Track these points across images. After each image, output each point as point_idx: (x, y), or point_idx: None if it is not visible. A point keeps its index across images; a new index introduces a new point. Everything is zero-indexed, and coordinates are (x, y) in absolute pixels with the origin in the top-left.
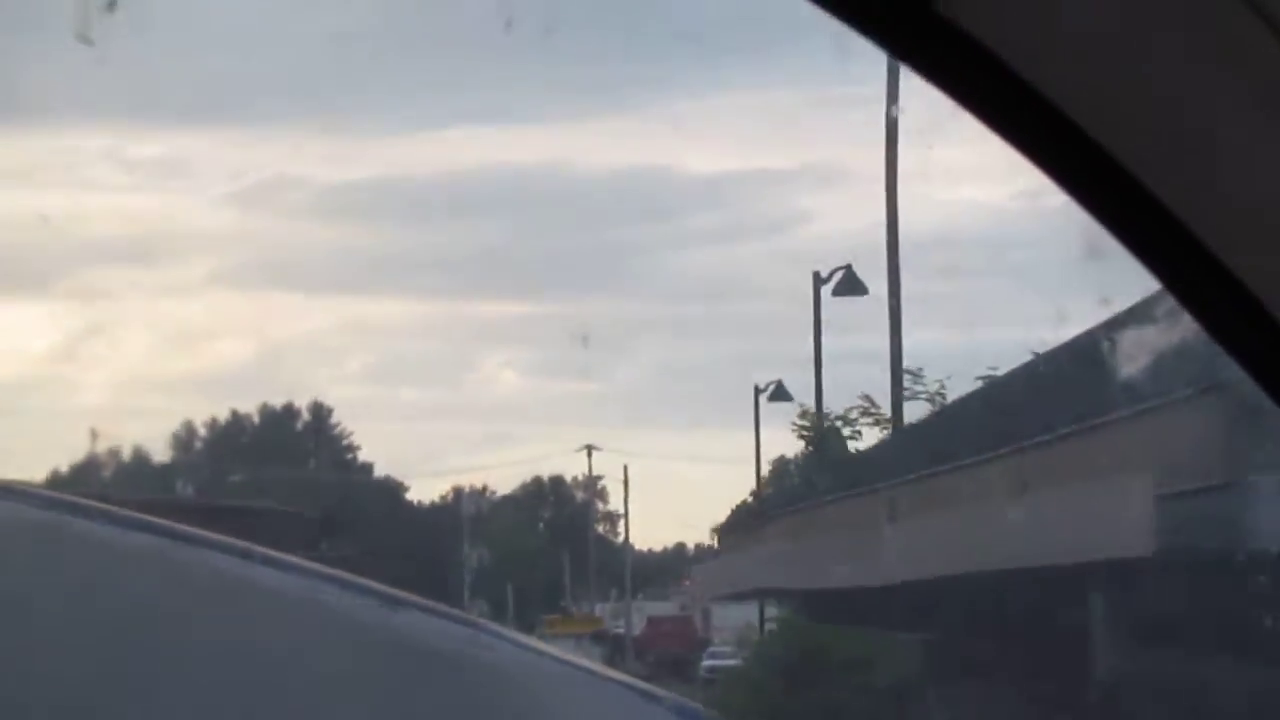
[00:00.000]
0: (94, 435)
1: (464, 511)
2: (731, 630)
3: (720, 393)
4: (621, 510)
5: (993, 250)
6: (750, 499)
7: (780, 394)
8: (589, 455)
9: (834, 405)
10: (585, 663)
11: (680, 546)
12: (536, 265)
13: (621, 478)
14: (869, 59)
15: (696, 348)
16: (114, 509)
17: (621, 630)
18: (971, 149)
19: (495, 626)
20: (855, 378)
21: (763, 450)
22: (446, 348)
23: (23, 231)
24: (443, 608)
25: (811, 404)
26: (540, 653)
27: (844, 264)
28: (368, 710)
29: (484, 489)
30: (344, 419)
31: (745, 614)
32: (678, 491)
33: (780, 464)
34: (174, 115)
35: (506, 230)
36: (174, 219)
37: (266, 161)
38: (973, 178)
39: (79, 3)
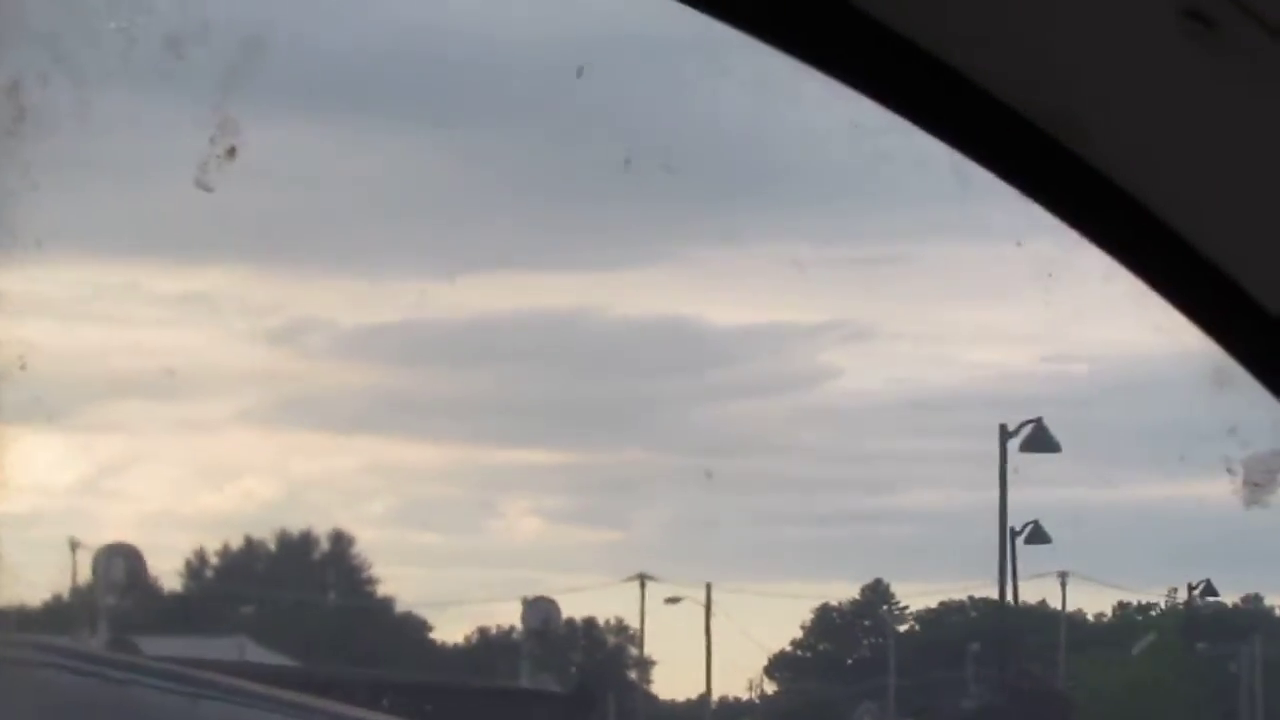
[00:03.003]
0: (84, 554)
1: (529, 624)
2: None
3: (743, 547)
4: (653, 657)
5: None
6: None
7: (1040, 441)
8: (642, 585)
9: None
10: None
11: (704, 698)
12: (561, 413)
13: (651, 621)
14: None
15: (720, 501)
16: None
17: None
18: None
19: None
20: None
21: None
22: (470, 493)
23: (47, 364)
24: None
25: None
26: None
27: (1034, 417)
28: None
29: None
30: (365, 553)
31: None
32: (701, 642)
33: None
34: (198, 251)
35: (532, 377)
36: (200, 355)
37: (292, 301)
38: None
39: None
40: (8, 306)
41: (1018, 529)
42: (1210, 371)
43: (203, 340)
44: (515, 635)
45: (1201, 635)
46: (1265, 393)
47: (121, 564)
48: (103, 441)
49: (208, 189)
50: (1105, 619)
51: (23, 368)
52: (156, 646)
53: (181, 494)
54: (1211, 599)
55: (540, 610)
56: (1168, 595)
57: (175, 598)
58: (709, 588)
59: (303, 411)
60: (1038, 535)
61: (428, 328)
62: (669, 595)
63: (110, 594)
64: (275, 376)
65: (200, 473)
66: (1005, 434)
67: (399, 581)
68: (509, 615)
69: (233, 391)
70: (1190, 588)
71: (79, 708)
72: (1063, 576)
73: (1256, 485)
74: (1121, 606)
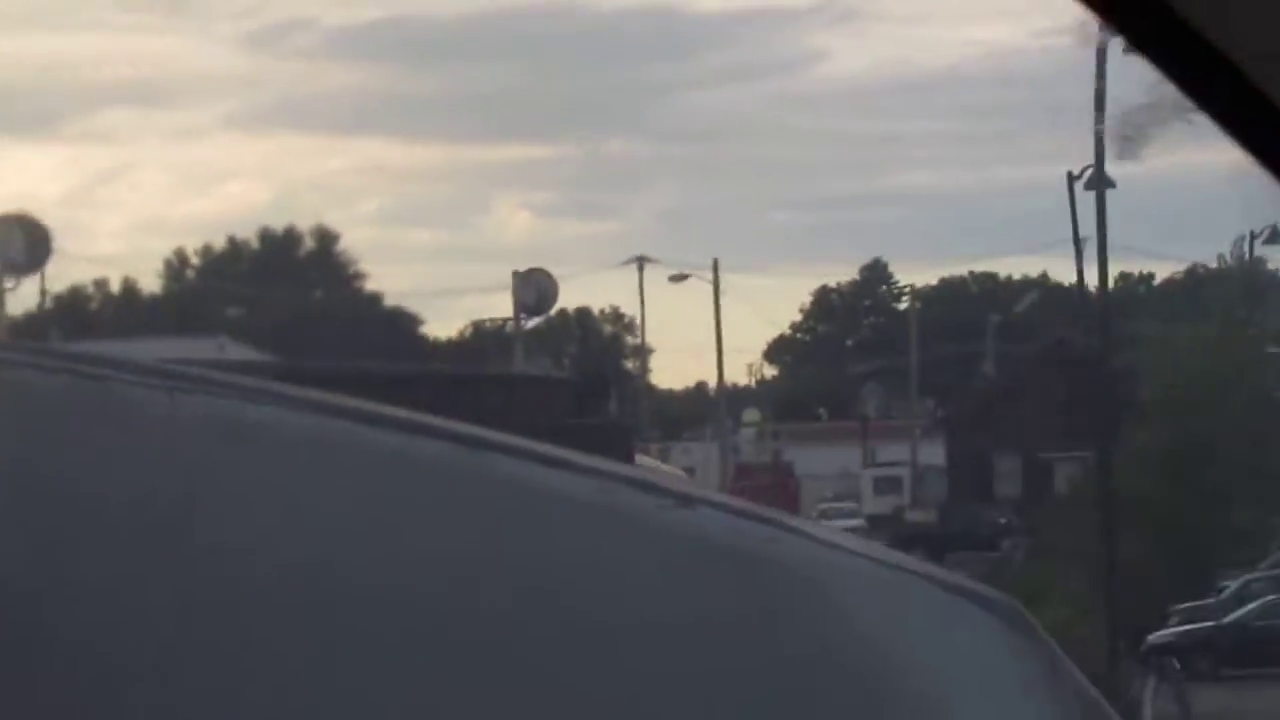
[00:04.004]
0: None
1: (521, 299)
2: (826, 480)
3: (734, 232)
4: (651, 345)
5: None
6: None
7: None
8: (640, 268)
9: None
10: (886, 555)
11: (701, 385)
12: (549, 107)
13: (650, 307)
14: None
15: (710, 187)
16: (383, 411)
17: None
18: None
19: (794, 522)
20: None
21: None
22: (461, 189)
23: (31, 74)
24: (739, 505)
25: None
26: (838, 547)
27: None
28: (673, 618)
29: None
30: (351, 249)
31: (843, 457)
32: (698, 328)
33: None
34: None
35: (518, 72)
36: (184, 61)
37: (276, 1)
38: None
39: None
40: None
41: (1076, 173)
42: None
43: (187, 46)
44: (509, 327)
45: (1266, 299)
46: None
47: (20, 237)
48: (90, 151)
49: None
50: (1134, 287)
51: None
52: (134, 349)
53: (170, 200)
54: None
55: (534, 284)
56: (1232, 248)
57: (155, 300)
58: (716, 263)
59: (290, 114)
60: (1099, 180)
61: (415, 24)
62: (673, 274)
63: (7, 274)
64: (261, 79)
65: (189, 179)
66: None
67: (390, 279)
68: (503, 308)
69: (219, 96)
70: (1251, 236)
71: (51, 405)
72: (1078, 243)
73: (1128, 139)
74: (1142, 277)
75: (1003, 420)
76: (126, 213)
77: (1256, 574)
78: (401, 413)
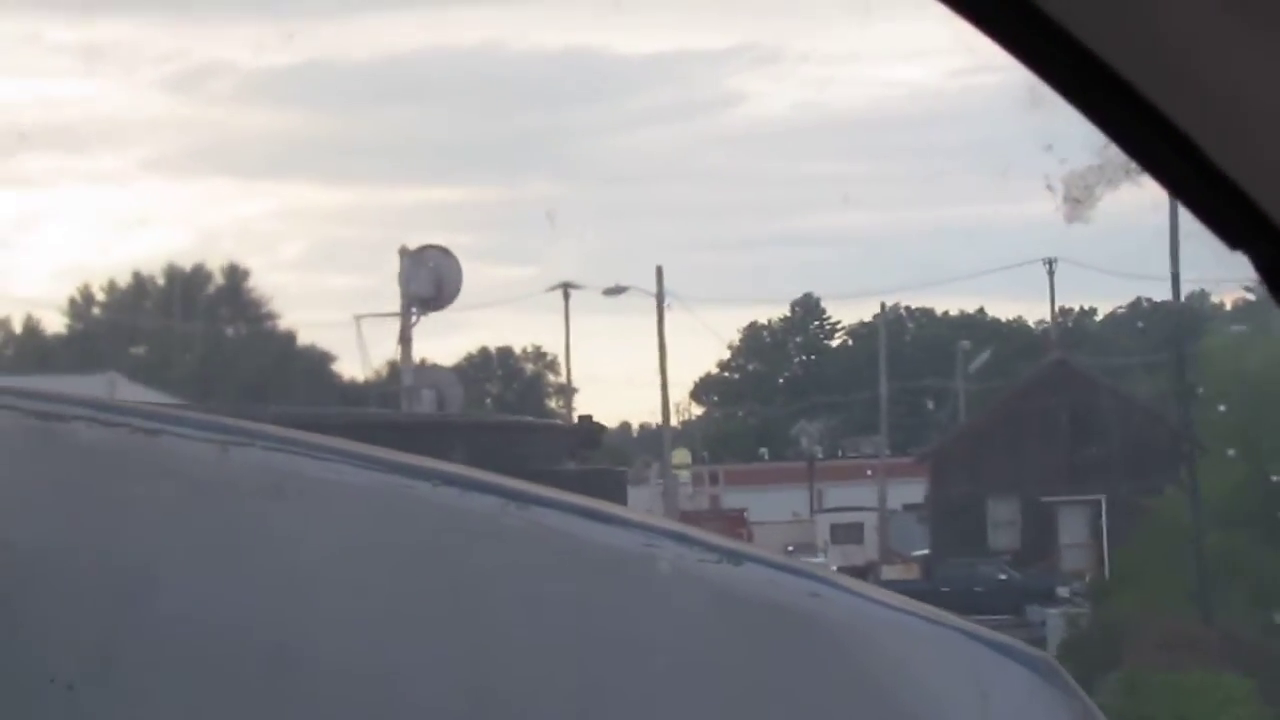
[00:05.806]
0: None
1: (411, 289)
2: (774, 528)
3: (665, 273)
4: (572, 384)
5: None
6: None
7: None
8: (566, 296)
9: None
10: (928, 611)
11: (625, 426)
12: (472, 150)
13: (576, 342)
14: None
15: (633, 229)
16: (436, 466)
17: None
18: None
19: (834, 577)
20: None
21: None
22: (382, 233)
23: None
24: (780, 559)
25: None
26: (881, 603)
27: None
28: (717, 673)
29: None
30: (263, 289)
31: (786, 501)
32: (619, 371)
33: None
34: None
35: (440, 114)
36: (102, 105)
37: (195, 47)
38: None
39: None
40: None
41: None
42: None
43: (107, 90)
44: (427, 364)
45: None
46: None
47: None
48: (7, 197)
49: None
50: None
51: None
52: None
53: (89, 246)
54: None
55: (428, 267)
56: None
57: (59, 338)
58: (660, 270)
59: (211, 159)
60: None
61: (333, 69)
62: (608, 287)
63: None
64: (182, 124)
65: (108, 225)
66: None
67: (310, 323)
68: (422, 349)
69: (140, 141)
70: None
71: (107, 459)
72: (1050, 263)
73: (1076, 201)
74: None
75: (993, 459)
76: (44, 258)
77: None
78: (454, 468)
